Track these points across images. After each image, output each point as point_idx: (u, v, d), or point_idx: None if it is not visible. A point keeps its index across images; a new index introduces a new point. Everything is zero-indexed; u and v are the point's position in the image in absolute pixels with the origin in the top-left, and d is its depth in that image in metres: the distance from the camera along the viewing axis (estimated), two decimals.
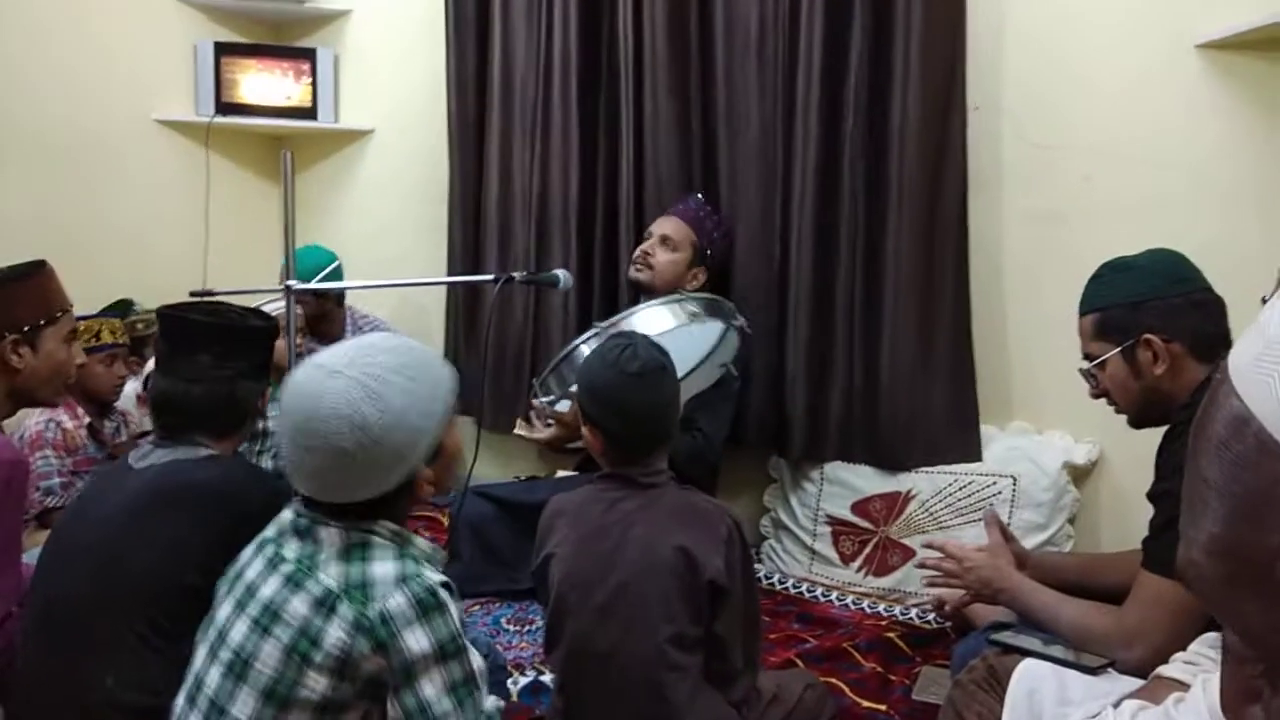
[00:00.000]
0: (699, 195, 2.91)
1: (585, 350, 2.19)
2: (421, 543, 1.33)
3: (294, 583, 1.25)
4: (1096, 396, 1.72)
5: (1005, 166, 2.70)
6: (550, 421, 2.48)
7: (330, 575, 1.24)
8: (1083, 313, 1.69)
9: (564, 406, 2.36)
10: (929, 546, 1.98)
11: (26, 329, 1.85)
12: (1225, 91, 2.40)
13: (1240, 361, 0.53)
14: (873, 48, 2.66)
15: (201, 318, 1.67)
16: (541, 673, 2.20)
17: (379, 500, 1.28)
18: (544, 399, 2.34)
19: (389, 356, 1.28)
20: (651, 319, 2.21)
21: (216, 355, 1.65)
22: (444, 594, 1.25)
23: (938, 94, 2.61)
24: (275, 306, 2.44)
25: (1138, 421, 1.69)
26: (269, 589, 1.26)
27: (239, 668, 1.24)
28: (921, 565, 1.99)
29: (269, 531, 1.35)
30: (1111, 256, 1.71)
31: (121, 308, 2.99)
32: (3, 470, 1.65)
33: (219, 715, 1.25)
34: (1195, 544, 0.54)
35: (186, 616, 1.43)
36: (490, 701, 1.31)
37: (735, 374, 2.59)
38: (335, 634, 1.21)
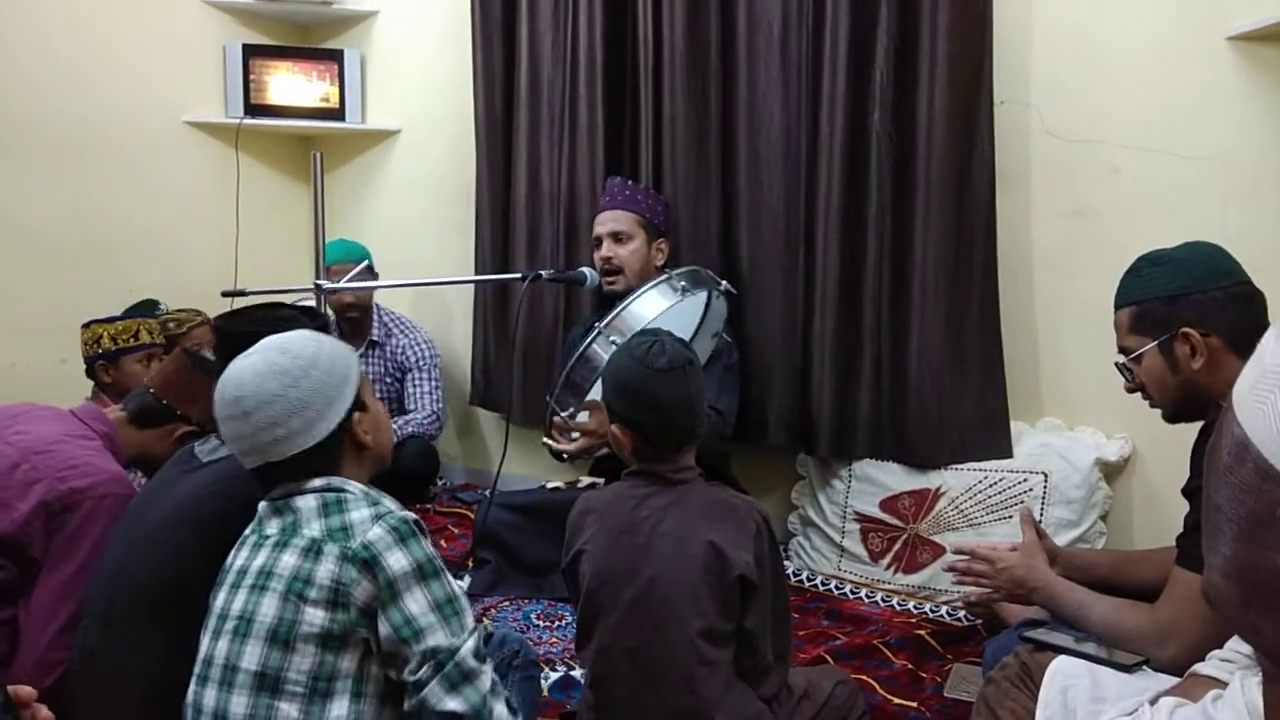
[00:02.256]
0: (615, 177, 2.93)
1: (598, 350, 2.20)
2: (390, 500, 1.42)
3: (281, 545, 1.36)
4: (1132, 391, 1.70)
5: (1033, 161, 2.68)
6: (575, 435, 2.46)
7: (313, 528, 1.35)
8: (1118, 306, 1.67)
9: (584, 417, 2.36)
10: (958, 551, 1.97)
11: (202, 428, 1.98)
12: (1257, 83, 2.37)
13: (1241, 389, 0.54)
14: (899, 44, 2.65)
15: (253, 329, 1.65)
16: (572, 668, 2.21)
17: (325, 448, 1.40)
18: (563, 414, 2.33)
19: (291, 332, 1.47)
20: (648, 303, 2.22)
21: None
22: (415, 526, 1.37)
23: (965, 89, 2.60)
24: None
25: (1173, 416, 1.67)
26: (259, 560, 1.37)
27: (243, 627, 1.33)
28: (951, 568, 1.98)
29: (246, 531, 1.44)
30: (1141, 250, 1.69)
31: (147, 307, 3.02)
32: (118, 504, 1.75)
33: (231, 674, 1.32)
34: (1213, 567, 0.56)
35: None
36: (472, 620, 1.37)
37: (730, 340, 2.63)
38: (325, 568, 1.31)
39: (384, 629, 1.30)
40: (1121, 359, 1.69)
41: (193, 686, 1.37)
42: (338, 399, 1.41)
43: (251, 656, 1.31)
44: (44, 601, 1.74)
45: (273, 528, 1.39)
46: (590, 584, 1.63)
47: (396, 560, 1.32)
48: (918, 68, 2.64)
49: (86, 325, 2.72)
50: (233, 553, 1.43)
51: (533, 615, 2.56)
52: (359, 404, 1.45)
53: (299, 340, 1.43)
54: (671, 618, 1.56)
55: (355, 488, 1.41)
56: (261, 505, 1.43)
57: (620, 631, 1.60)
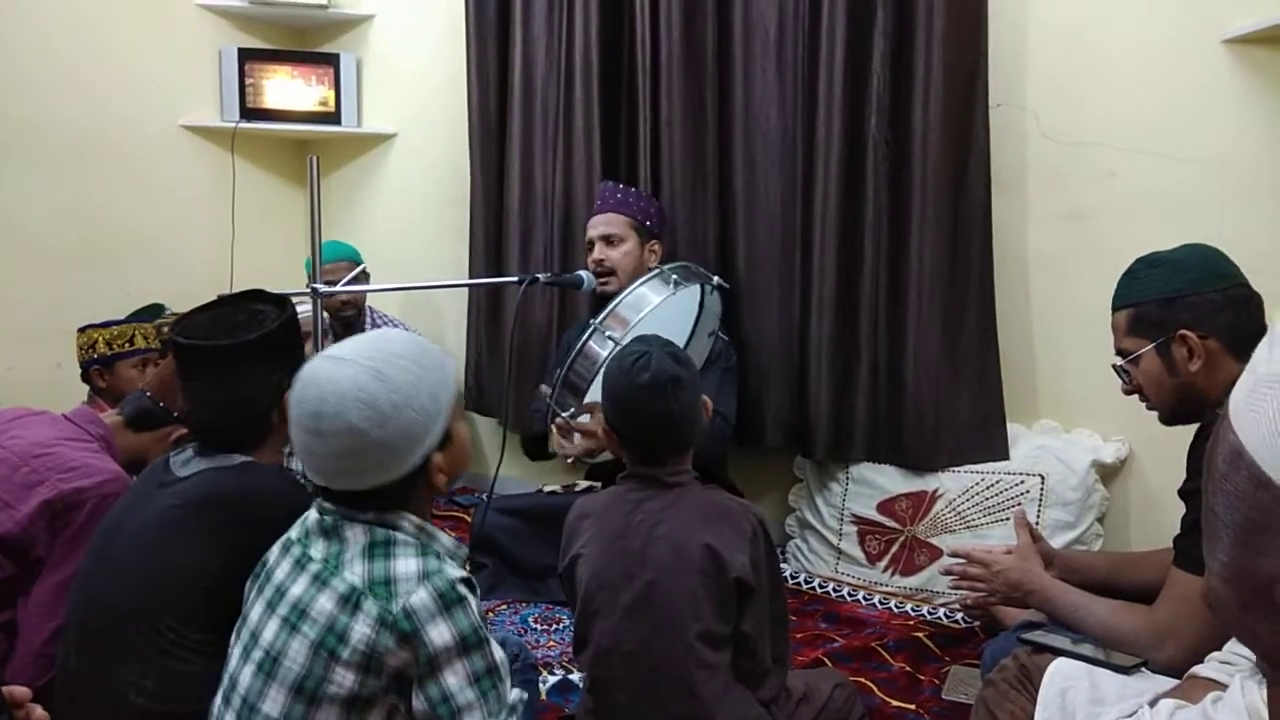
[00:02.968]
0: (607, 181, 2.93)
1: (594, 347, 2.20)
2: (445, 539, 1.35)
3: (320, 581, 1.28)
4: (1129, 393, 1.70)
5: (1029, 163, 2.68)
6: (577, 434, 2.43)
7: (355, 573, 1.26)
8: (1116, 308, 1.67)
9: (584, 418, 2.35)
10: (953, 554, 1.96)
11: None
12: (1252, 86, 2.37)
13: (1237, 397, 0.56)
14: (895, 47, 2.66)
15: (197, 342, 1.61)
16: (570, 671, 2.21)
17: (395, 488, 1.30)
18: (564, 415, 2.32)
19: (393, 344, 1.32)
20: (642, 297, 2.22)
21: (225, 375, 1.61)
22: (464, 589, 1.27)
23: (960, 92, 2.60)
24: (303, 310, 2.45)
25: (1170, 419, 1.67)
26: (297, 588, 1.29)
27: (268, 665, 1.27)
28: (947, 572, 1.98)
29: (294, 532, 1.37)
30: (1138, 253, 1.69)
31: (152, 312, 3.02)
32: (104, 503, 1.74)
33: (251, 712, 1.27)
34: (1212, 572, 0.58)
35: (220, 623, 1.44)
36: (514, 694, 1.32)
37: (725, 338, 2.64)
38: (361, 630, 1.23)
39: (419, 703, 1.24)
40: (1119, 361, 1.69)
41: (217, 702, 1.34)
42: (425, 439, 1.30)
43: (274, 703, 1.25)
44: (44, 598, 1.75)
45: (318, 550, 1.31)
46: (587, 588, 1.63)
47: (439, 633, 1.23)
48: (913, 72, 2.64)
49: (82, 330, 2.72)
50: (275, 553, 1.37)
51: (530, 619, 2.56)
52: (445, 439, 1.33)
53: (400, 364, 1.28)
54: (669, 621, 1.56)
55: (409, 524, 1.32)
56: (312, 516, 1.35)
57: (618, 635, 1.60)
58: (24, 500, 1.74)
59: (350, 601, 1.24)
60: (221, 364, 1.60)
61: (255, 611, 1.34)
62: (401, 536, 1.30)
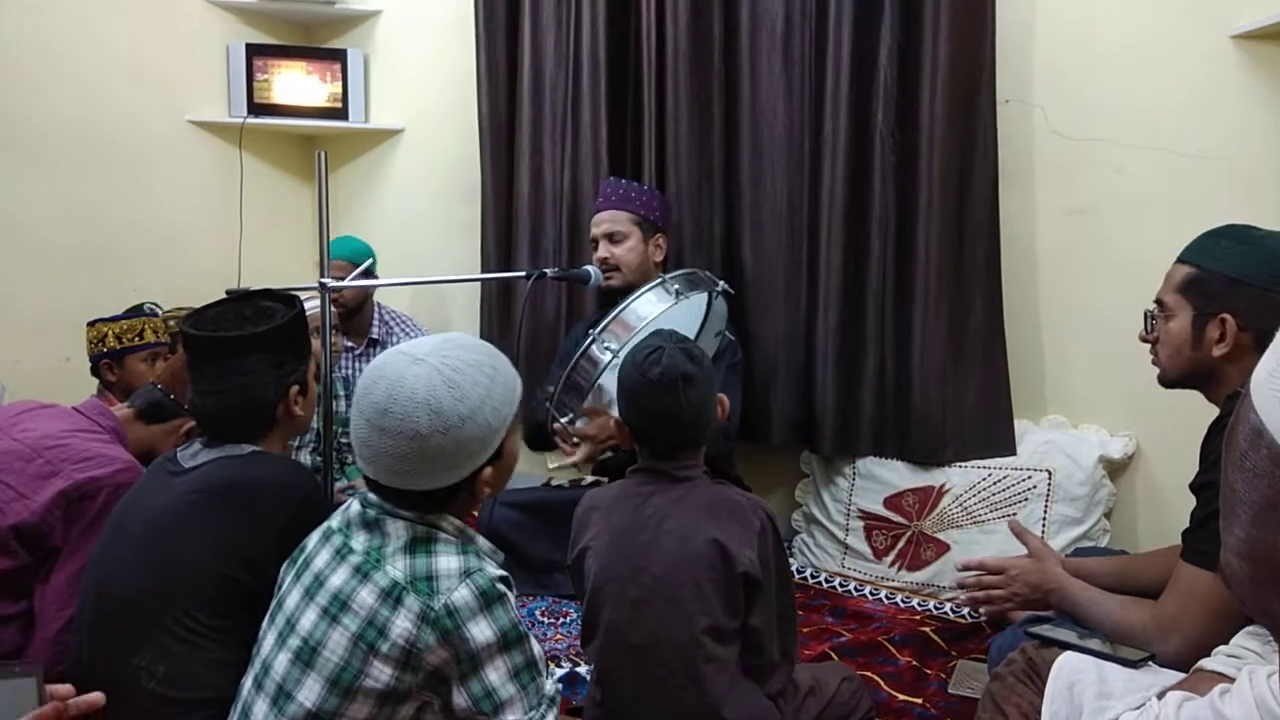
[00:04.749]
0: (609, 177, 2.92)
1: (596, 352, 2.21)
2: (483, 541, 1.38)
3: (362, 573, 1.30)
4: (1145, 340, 1.70)
5: (1036, 159, 2.69)
6: (577, 440, 2.43)
7: (397, 567, 1.29)
8: (1182, 259, 1.63)
9: (583, 422, 2.36)
10: (966, 567, 1.94)
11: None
12: (1260, 82, 2.37)
13: (1259, 377, 0.56)
14: (902, 42, 2.66)
15: (207, 333, 1.63)
16: (577, 664, 2.22)
17: (442, 494, 1.33)
18: (563, 420, 2.32)
19: (469, 353, 1.34)
20: (643, 306, 2.22)
21: (232, 367, 1.63)
22: (503, 586, 1.31)
23: (967, 87, 2.61)
24: (311, 306, 2.46)
25: (1170, 383, 1.67)
26: (338, 579, 1.31)
27: (306, 654, 1.29)
28: (961, 585, 1.96)
29: (334, 521, 1.40)
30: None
31: (135, 313, 3.02)
32: (118, 492, 1.74)
33: (285, 700, 1.29)
34: (1229, 547, 0.58)
35: (232, 610, 1.46)
36: (551, 686, 1.35)
37: (732, 338, 2.63)
38: (401, 624, 1.25)
39: (461, 699, 1.27)
40: (1153, 308, 1.67)
41: (247, 685, 1.36)
42: (481, 454, 1.33)
43: (309, 692, 1.27)
44: (60, 587, 1.77)
45: (359, 542, 1.33)
46: (595, 581, 1.64)
47: (480, 631, 1.26)
48: (920, 67, 2.64)
49: (92, 324, 2.73)
50: (315, 540, 1.39)
51: (537, 612, 2.56)
52: (497, 453, 1.36)
53: (472, 374, 1.30)
54: (676, 615, 1.57)
55: (450, 524, 1.36)
56: (354, 507, 1.38)
57: (625, 628, 1.61)
58: (39, 491, 1.76)
59: (392, 596, 1.27)
60: (229, 355, 1.62)
61: (292, 598, 1.35)
62: (442, 535, 1.33)
